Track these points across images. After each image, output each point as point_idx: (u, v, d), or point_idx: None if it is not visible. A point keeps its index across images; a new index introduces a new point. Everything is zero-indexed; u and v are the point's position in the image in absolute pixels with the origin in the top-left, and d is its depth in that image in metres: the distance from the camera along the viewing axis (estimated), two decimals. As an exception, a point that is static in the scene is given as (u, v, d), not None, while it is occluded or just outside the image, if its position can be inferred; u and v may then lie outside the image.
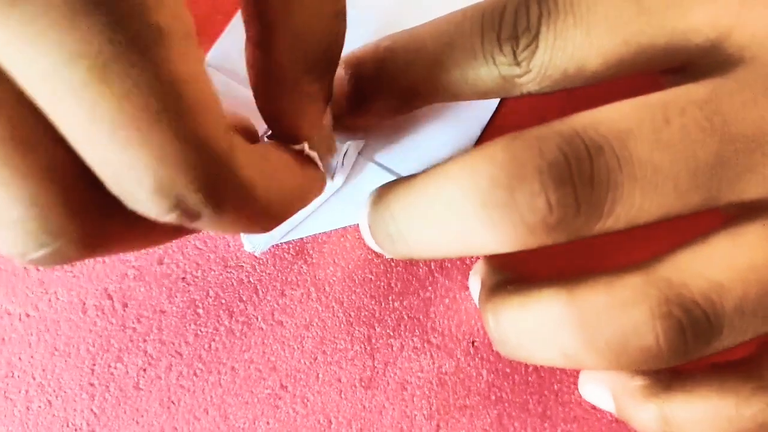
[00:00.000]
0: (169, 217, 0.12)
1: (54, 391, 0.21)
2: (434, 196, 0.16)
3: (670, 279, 0.15)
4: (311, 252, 0.22)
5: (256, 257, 0.22)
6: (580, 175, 0.14)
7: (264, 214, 0.14)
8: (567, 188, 0.14)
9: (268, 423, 0.21)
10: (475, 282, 0.20)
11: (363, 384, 0.22)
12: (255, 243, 0.22)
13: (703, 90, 0.15)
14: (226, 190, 0.12)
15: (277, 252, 0.22)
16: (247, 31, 0.15)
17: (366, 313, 0.22)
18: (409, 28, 0.19)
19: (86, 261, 0.22)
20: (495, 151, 0.15)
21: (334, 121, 0.21)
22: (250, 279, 0.22)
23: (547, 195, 0.14)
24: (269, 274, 0.22)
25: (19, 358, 0.21)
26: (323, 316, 0.22)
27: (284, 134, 0.17)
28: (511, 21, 0.17)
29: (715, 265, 0.15)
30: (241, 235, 0.22)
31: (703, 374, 0.17)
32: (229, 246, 0.22)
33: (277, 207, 0.14)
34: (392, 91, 0.20)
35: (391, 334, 0.22)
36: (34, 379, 0.21)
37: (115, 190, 0.11)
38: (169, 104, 0.10)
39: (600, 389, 0.19)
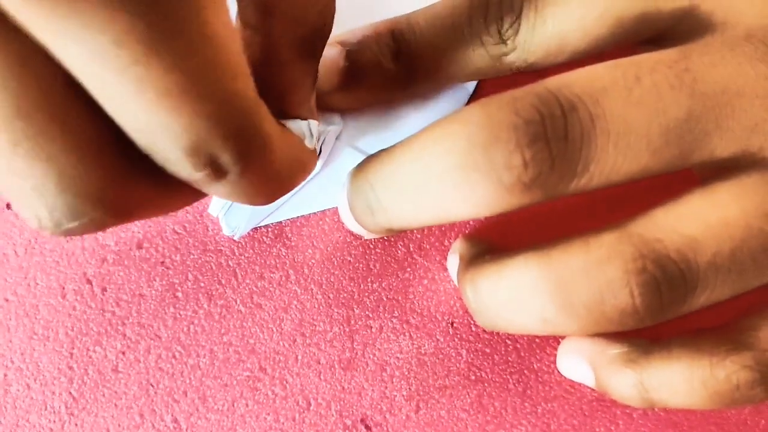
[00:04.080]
0: (198, 176, 0.12)
1: (32, 374, 0.21)
2: (412, 163, 0.16)
3: (644, 235, 0.15)
4: (290, 235, 0.22)
5: (235, 241, 0.22)
6: (554, 132, 0.14)
7: (277, 179, 0.15)
8: (541, 144, 0.14)
9: (247, 405, 0.21)
10: (454, 260, 0.20)
11: (342, 365, 0.22)
12: (234, 227, 0.22)
13: (673, 52, 0.15)
14: (253, 147, 0.13)
15: (255, 235, 0.22)
16: (241, 13, 0.15)
17: (345, 294, 0.22)
18: (407, 13, 0.20)
19: (65, 246, 0.22)
20: (470, 113, 0.15)
21: (322, 99, 0.21)
22: (229, 263, 0.22)
23: (522, 152, 0.14)
24: (248, 257, 0.22)
25: (-2, 343, 0.21)
26: (302, 299, 0.22)
27: (276, 112, 0.17)
28: (495, 3, 0.18)
29: (688, 222, 0.15)
30: (220, 219, 0.22)
31: (679, 339, 0.17)
32: (208, 230, 0.22)
33: (287, 173, 0.15)
34: (389, 69, 0.20)
35: (370, 315, 0.22)
36: (12, 362, 0.21)
37: (151, 152, 0.12)
38: (207, 67, 0.11)
39: (578, 362, 0.19)
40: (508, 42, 0.19)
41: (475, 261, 0.18)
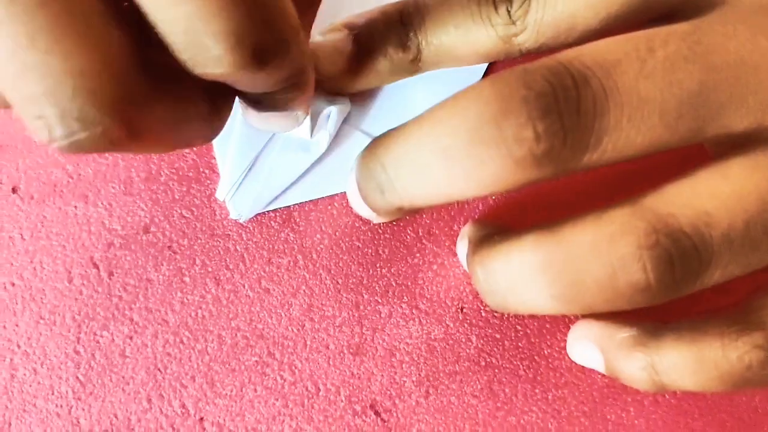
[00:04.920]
0: (239, 64, 0.12)
1: (39, 359, 0.21)
2: (423, 139, 0.15)
3: (657, 210, 0.14)
4: (298, 220, 0.22)
5: (243, 226, 0.22)
6: (566, 104, 0.14)
7: (303, 73, 0.15)
8: (553, 117, 0.14)
9: (255, 390, 0.21)
10: (463, 246, 0.20)
11: (351, 351, 0.22)
12: (240, 210, 0.22)
13: (685, 24, 0.15)
14: (291, 34, 0.13)
15: (263, 220, 0.22)
16: None
17: (354, 280, 0.22)
18: None
19: (71, 230, 0.22)
20: (482, 88, 0.15)
21: (329, 82, 0.21)
22: (237, 247, 0.22)
23: (533, 125, 0.14)
24: (256, 242, 0.22)
25: (4, 327, 0.21)
26: (310, 284, 0.22)
27: None
28: None
29: (701, 196, 0.14)
30: (227, 202, 0.22)
31: (689, 321, 0.17)
32: (215, 215, 0.22)
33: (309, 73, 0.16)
34: (396, 53, 0.20)
35: (379, 300, 0.22)
36: (19, 347, 0.21)
37: (189, 52, 0.12)
38: None
39: (588, 347, 0.19)
40: (518, 22, 0.18)
41: (484, 242, 0.18)
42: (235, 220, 0.22)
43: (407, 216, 0.22)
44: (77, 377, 0.21)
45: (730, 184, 0.15)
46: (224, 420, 0.21)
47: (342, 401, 0.21)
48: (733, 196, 0.14)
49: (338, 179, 0.22)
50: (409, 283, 0.22)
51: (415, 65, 0.20)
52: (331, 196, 0.22)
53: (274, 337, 0.22)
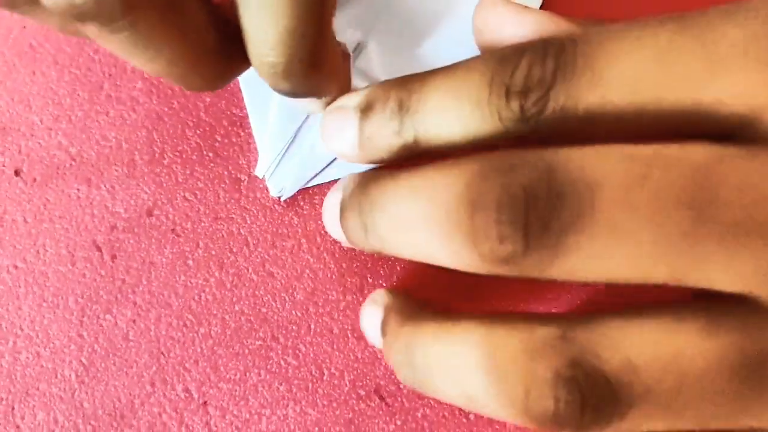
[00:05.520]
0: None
1: (42, 342, 0.21)
2: (409, 198, 0.15)
3: (586, 344, 0.14)
4: (302, 203, 0.22)
5: (246, 209, 0.22)
6: (537, 218, 0.13)
7: (316, 25, 0.14)
8: (519, 226, 0.13)
9: (259, 374, 0.21)
10: (373, 311, 0.19)
11: (356, 335, 0.21)
12: (281, 188, 0.21)
13: (702, 152, 0.13)
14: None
15: (267, 204, 0.22)
16: None
17: (358, 263, 0.22)
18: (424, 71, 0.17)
19: (74, 212, 0.21)
20: (472, 165, 0.14)
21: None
22: (241, 231, 0.22)
23: (499, 228, 0.14)
24: (259, 225, 0.22)
25: (7, 310, 0.21)
26: (314, 267, 0.22)
27: None
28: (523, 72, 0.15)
29: (639, 345, 0.14)
30: (266, 180, 0.22)
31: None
32: (219, 198, 0.22)
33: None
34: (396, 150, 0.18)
35: (384, 284, 0.22)
36: (21, 330, 0.21)
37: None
38: None
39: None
40: (530, 121, 0.15)
41: (411, 316, 0.17)
42: (276, 197, 0.22)
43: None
44: (81, 361, 0.21)
45: (675, 341, 0.14)
46: (228, 404, 0.21)
47: (346, 385, 0.21)
48: (671, 356, 0.13)
49: None
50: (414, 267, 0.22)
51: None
52: (335, 181, 0.22)
53: (278, 321, 0.21)
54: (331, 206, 0.18)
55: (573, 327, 0.14)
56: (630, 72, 0.14)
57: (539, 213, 0.13)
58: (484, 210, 0.14)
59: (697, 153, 0.13)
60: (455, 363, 0.15)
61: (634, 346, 0.14)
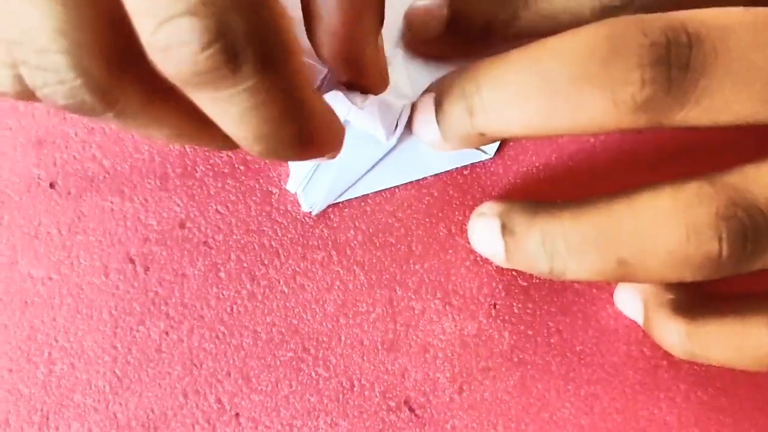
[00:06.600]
0: (209, 65, 0.11)
1: (77, 353, 0.21)
2: (529, 65, 0.16)
3: (736, 185, 0.15)
4: (332, 216, 0.22)
5: (277, 222, 0.22)
6: (677, 58, 0.14)
7: (295, 118, 0.13)
8: (663, 67, 0.14)
9: (290, 386, 0.21)
10: (486, 220, 0.19)
11: (385, 346, 0.22)
12: (312, 202, 0.22)
13: None
14: (276, 52, 0.12)
15: (298, 217, 0.22)
16: None
17: (387, 276, 0.22)
18: None
19: (107, 225, 0.22)
20: (598, 27, 0.15)
21: (424, 47, 0.21)
22: (272, 243, 0.22)
23: (643, 71, 0.14)
24: (290, 238, 0.22)
25: (42, 321, 0.21)
26: (345, 279, 0.22)
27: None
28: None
29: None
30: (298, 194, 0.22)
31: (736, 299, 0.17)
32: (250, 210, 0.22)
33: (310, 126, 0.14)
34: (499, 24, 0.19)
35: (413, 296, 0.22)
36: (56, 341, 0.21)
37: (159, 39, 0.11)
38: None
39: (633, 297, 0.20)
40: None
41: (539, 210, 0.18)
42: (306, 212, 0.22)
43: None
44: (114, 372, 0.21)
45: None
46: (259, 415, 0.21)
47: (376, 397, 0.21)
48: None
49: (408, 168, 0.22)
50: (442, 279, 0.22)
51: (517, 38, 0.19)
52: (365, 195, 0.23)
53: (309, 333, 0.22)
54: (423, 108, 0.18)
55: (717, 177, 0.15)
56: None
57: (680, 55, 0.14)
58: (624, 56, 0.14)
59: None
60: (604, 236, 0.16)
61: None
